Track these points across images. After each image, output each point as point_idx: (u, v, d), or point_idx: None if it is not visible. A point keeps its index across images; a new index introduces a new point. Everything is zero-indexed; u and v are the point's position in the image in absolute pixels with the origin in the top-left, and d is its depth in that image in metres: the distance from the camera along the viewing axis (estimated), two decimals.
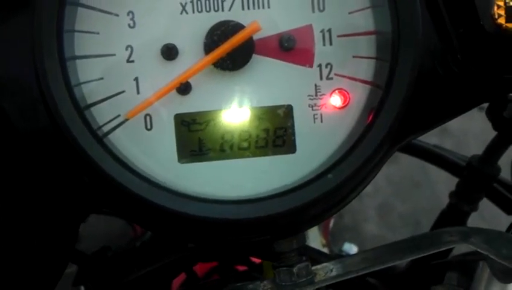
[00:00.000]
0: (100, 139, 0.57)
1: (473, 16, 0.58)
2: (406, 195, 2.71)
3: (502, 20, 0.57)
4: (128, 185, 0.56)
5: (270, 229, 0.62)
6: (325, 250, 1.43)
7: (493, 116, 0.79)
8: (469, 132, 2.65)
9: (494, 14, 0.57)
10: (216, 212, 0.58)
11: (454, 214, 0.98)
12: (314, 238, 1.40)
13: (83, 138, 0.55)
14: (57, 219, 0.65)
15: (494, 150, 0.90)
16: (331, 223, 1.71)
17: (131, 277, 0.95)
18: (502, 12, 0.57)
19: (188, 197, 0.58)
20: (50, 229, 0.64)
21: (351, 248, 1.67)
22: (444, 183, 2.33)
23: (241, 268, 1.10)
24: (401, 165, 2.57)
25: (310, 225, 0.68)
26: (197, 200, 0.58)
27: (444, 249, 0.69)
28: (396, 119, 0.57)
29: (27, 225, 0.60)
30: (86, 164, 0.56)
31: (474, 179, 0.93)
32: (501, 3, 0.57)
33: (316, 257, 0.91)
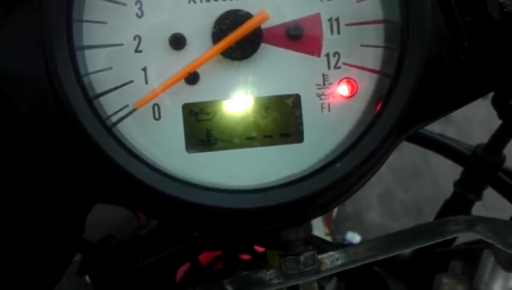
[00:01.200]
0: (109, 129, 0.57)
1: (480, 4, 0.57)
2: (408, 183, 2.71)
3: (509, 10, 0.57)
4: (137, 174, 0.56)
5: (277, 218, 0.63)
6: (328, 239, 1.44)
7: (499, 104, 0.79)
8: (473, 119, 2.65)
9: (502, 3, 0.57)
10: (224, 202, 0.58)
11: (458, 203, 0.99)
12: (318, 227, 1.40)
13: (92, 127, 0.56)
14: (65, 208, 0.65)
15: (499, 138, 0.90)
16: (335, 212, 1.72)
17: (136, 266, 0.96)
18: (510, 1, 0.57)
19: (196, 186, 0.58)
20: (58, 218, 0.65)
21: (354, 237, 1.68)
22: (445, 171, 2.33)
23: (245, 257, 1.10)
24: (403, 154, 2.57)
25: (317, 214, 0.68)
26: (205, 189, 0.58)
27: (449, 237, 0.69)
28: (404, 108, 0.57)
29: (35, 213, 0.60)
30: (95, 153, 0.56)
31: (479, 168, 0.94)
32: None
33: (322, 245, 0.91)
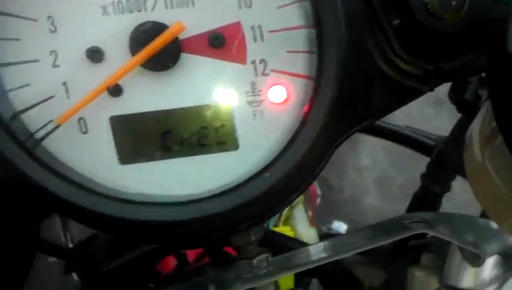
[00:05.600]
0: (28, 149, 0.56)
1: (406, 8, 0.56)
2: (404, 167, 2.69)
3: (434, 11, 0.55)
4: (61, 193, 0.56)
5: (213, 228, 0.62)
6: (313, 229, 1.43)
7: (455, 99, 0.78)
8: None
9: (427, 5, 0.55)
10: (157, 215, 0.57)
11: (426, 196, 0.98)
12: (301, 217, 1.39)
13: (9, 150, 0.55)
14: (13, 224, 0.65)
15: (460, 131, 0.88)
16: (318, 200, 1.71)
17: (116, 263, 0.98)
18: (435, 3, 0.55)
19: (124, 201, 0.58)
20: (8, 233, 0.65)
21: (340, 226, 1.67)
22: None
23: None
24: None
25: (255, 222, 0.67)
26: (134, 203, 0.58)
27: (408, 235, 0.69)
28: (329, 113, 0.56)
29: None
30: (17, 175, 0.56)
31: (442, 160, 0.92)
32: None
33: (287, 243, 0.91)
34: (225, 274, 0.69)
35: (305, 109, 0.58)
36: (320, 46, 0.56)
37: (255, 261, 0.66)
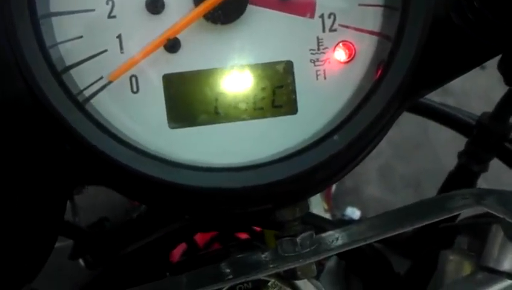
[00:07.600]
0: (81, 105, 0.52)
1: None
2: (406, 157, 2.70)
3: None
4: (112, 153, 0.52)
5: (270, 198, 0.58)
6: (328, 215, 1.42)
7: (506, 69, 0.75)
8: (471, 91, 2.63)
9: None
10: (210, 181, 0.53)
11: (463, 175, 0.95)
12: (317, 203, 1.37)
13: (61, 103, 0.51)
14: (40, 192, 0.61)
15: (506, 106, 0.85)
16: (334, 187, 1.69)
17: (128, 248, 0.93)
18: None
19: (178, 165, 0.53)
20: (34, 203, 0.60)
21: (354, 212, 1.65)
22: (445, 143, 2.32)
23: (242, 236, 1.08)
24: (401, 127, 2.55)
25: (314, 192, 0.64)
26: (189, 168, 0.53)
27: (457, 213, 0.65)
28: (408, 73, 0.53)
29: (9, 199, 0.57)
30: (66, 131, 0.51)
31: (485, 137, 0.90)
32: None
33: (321, 224, 0.88)
34: (249, 258, 0.66)
35: (378, 68, 0.55)
36: None
37: (299, 239, 0.62)
